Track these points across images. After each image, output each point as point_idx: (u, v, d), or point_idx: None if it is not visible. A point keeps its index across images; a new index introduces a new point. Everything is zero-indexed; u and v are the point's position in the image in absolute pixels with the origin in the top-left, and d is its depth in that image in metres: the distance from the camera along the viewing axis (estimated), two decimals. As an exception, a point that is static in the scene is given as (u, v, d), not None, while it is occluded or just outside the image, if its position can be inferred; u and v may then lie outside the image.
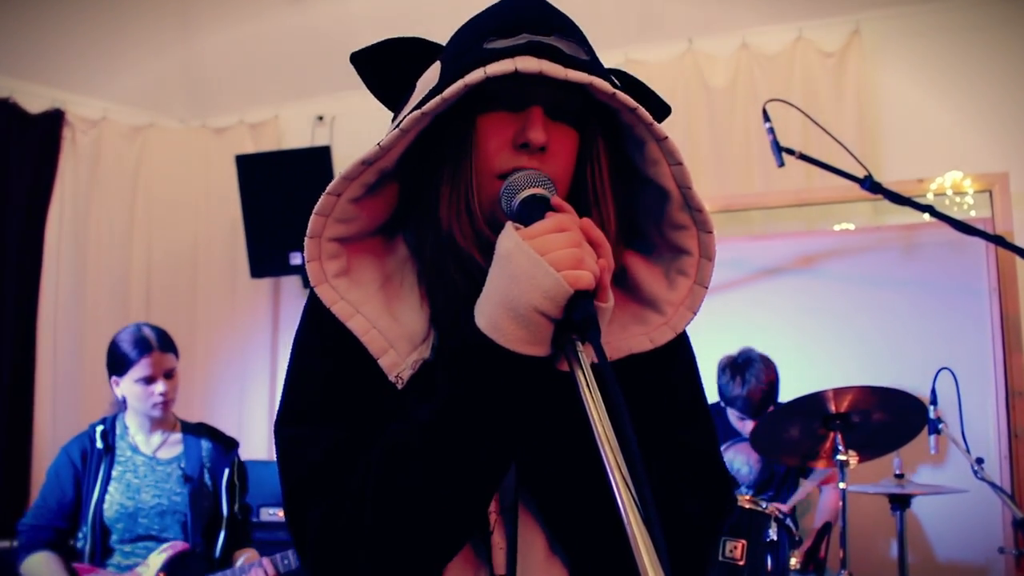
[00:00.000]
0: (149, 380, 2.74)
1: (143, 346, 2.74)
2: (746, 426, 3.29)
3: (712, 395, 3.45)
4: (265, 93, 5.07)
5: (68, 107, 4.76)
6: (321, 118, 4.96)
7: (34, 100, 4.68)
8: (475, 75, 0.94)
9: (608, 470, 0.78)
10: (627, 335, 1.04)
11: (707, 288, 1.04)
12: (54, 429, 4.47)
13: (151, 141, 5.07)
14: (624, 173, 1.06)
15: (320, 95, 4.93)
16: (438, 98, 0.94)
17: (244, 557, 2.76)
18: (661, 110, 1.14)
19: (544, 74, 0.94)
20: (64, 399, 4.59)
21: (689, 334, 1.13)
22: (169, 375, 2.77)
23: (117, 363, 2.77)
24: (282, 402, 1.05)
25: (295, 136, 5.01)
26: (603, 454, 0.79)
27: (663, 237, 1.06)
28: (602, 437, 0.80)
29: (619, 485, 0.77)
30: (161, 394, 2.74)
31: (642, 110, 0.97)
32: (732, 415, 3.36)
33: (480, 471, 0.93)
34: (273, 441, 1.04)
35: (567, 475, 0.97)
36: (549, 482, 0.98)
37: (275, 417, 1.05)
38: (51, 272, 4.64)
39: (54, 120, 4.71)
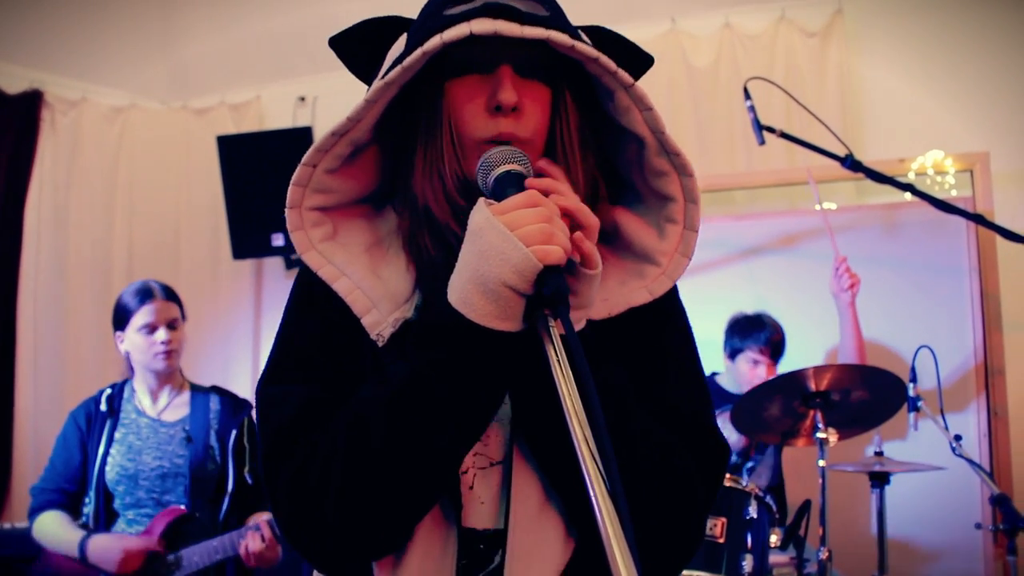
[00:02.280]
0: (151, 328, 2.69)
1: (145, 294, 2.71)
2: (758, 372, 3.28)
3: (711, 363, 3.47)
4: (247, 74, 5.03)
5: (47, 87, 4.70)
6: (303, 99, 4.92)
7: (11, 80, 4.61)
8: (432, 42, 0.94)
9: (576, 444, 0.78)
10: (626, 290, 1.05)
11: (697, 232, 1.05)
12: (35, 413, 4.45)
13: (132, 122, 5.01)
14: (604, 127, 1.07)
15: (302, 76, 4.89)
16: (399, 67, 0.95)
17: (253, 521, 2.65)
18: (644, 62, 1.14)
19: (499, 33, 0.94)
20: (45, 382, 4.55)
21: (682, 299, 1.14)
22: (172, 326, 2.73)
23: (120, 316, 2.74)
24: (266, 364, 1.07)
25: (277, 117, 4.97)
26: (571, 428, 0.79)
27: (648, 186, 1.07)
28: (571, 411, 0.81)
29: (586, 459, 0.77)
30: (163, 342, 2.69)
31: (604, 59, 0.97)
32: (744, 363, 3.34)
33: (446, 441, 0.94)
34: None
35: (561, 427, 0.97)
36: (544, 433, 0.98)
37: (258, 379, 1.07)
38: (31, 255, 4.59)
39: (32, 101, 4.64)
